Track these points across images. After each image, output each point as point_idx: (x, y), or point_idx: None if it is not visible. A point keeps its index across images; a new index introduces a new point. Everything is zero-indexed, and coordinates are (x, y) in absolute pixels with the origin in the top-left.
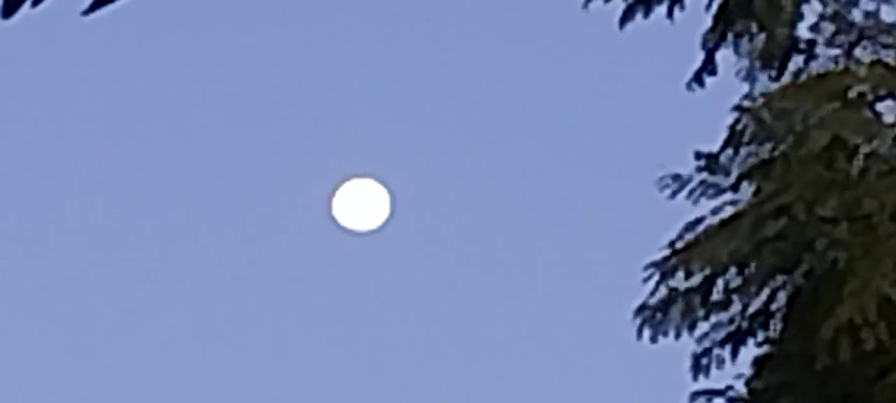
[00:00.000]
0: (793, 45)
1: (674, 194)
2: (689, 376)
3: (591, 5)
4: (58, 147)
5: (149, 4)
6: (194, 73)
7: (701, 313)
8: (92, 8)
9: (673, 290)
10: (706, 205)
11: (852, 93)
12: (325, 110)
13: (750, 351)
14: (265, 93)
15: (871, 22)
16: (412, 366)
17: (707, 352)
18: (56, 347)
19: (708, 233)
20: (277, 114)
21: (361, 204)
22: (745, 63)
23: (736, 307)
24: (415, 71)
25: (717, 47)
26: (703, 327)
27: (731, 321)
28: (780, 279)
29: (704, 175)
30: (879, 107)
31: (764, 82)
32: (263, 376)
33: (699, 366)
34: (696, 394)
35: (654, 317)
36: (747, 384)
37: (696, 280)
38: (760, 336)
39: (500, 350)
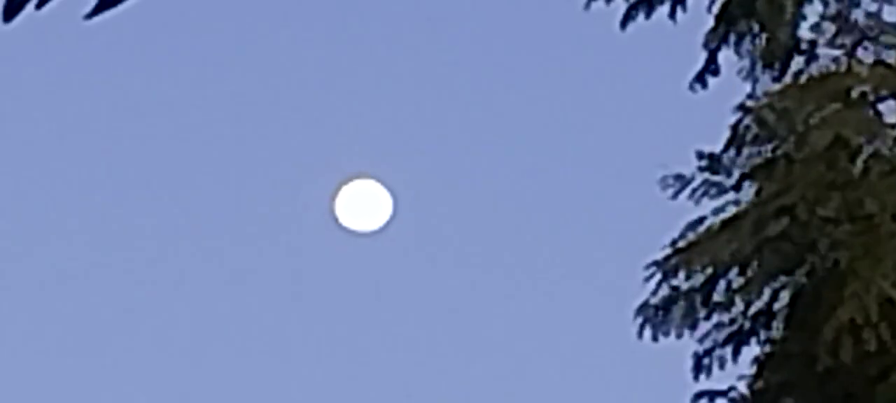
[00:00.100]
0: (794, 46)
1: (676, 194)
2: (689, 376)
3: (593, 6)
4: (59, 148)
5: (150, 7)
6: (196, 75)
7: (702, 313)
8: (95, 11)
9: (674, 290)
10: (708, 205)
11: (854, 94)
12: (327, 111)
13: (752, 352)
14: (267, 94)
15: (872, 22)
16: (414, 367)
17: (709, 352)
18: (56, 347)
19: (710, 233)
20: (279, 114)
21: (363, 205)
22: (746, 63)
23: (738, 307)
24: (416, 71)
25: (719, 48)
26: (704, 327)
27: (733, 321)
28: (782, 279)
29: (706, 175)
30: (881, 107)
31: (766, 82)
32: (265, 376)
33: (700, 366)
34: (698, 395)
35: (655, 317)
36: (750, 385)
37: (698, 280)
38: (762, 336)
39: (502, 349)
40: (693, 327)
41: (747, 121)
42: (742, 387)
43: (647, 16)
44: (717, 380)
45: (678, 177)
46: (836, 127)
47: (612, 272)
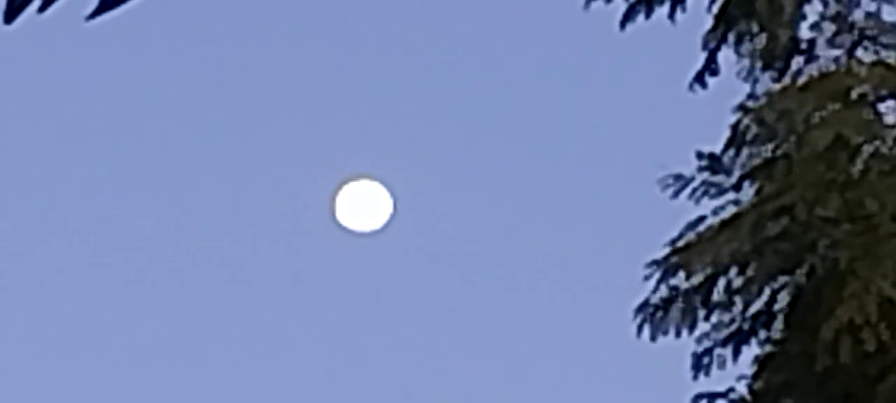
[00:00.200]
0: (794, 46)
1: (676, 194)
2: (688, 376)
3: (593, 6)
4: (59, 148)
5: (151, 9)
6: (196, 76)
7: (701, 313)
8: (96, 13)
9: (673, 289)
10: (708, 205)
11: (854, 94)
12: (327, 111)
13: (751, 352)
14: (267, 95)
15: (872, 22)
16: (414, 367)
17: (708, 352)
18: (56, 348)
19: (709, 233)
20: (279, 115)
21: (363, 205)
22: (746, 63)
23: (737, 307)
24: (416, 72)
25: (718, 48)
26: (703, 327)
27: (733, 321)
28: (781, 279)
29: (706, 175)
30: (881, 107)
31: (765, 82)
32: (265, 376)
33: (700, 366)
34: (698, 396)
35: (654, 316)
36: (749, 385)
37: (697, 279)
38: (762, 336)
39: (501, 349)
40: (692, 327)
41: (747, 121)
42: (742, 388)
43: (647, 16)
44: (715, 381)
45: (678, 176)
46: (836, 127)
47: (611, 271)
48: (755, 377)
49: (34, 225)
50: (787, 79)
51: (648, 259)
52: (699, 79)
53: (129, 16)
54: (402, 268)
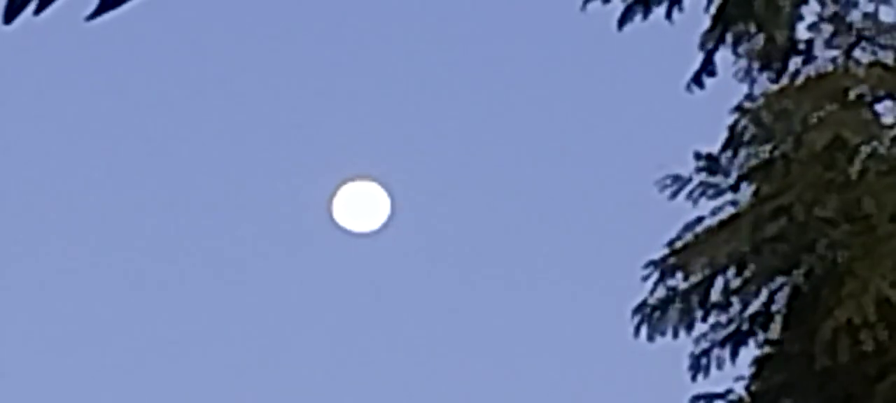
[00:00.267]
0: (792, 46)
1: (674, 195)
2: (686, 377)
3: (590, 6)
4: (60, 149)
5: (151, 9)
6: (195, 76)
7: (699, 313)
8: (96, 13)
9: (671, 290)
10: (706, 206)
11: (851, 94)
12: (326, 112)
13: (750, 352)
14: (265, 96)
15: (869, 23)
16: (412, 367)
17: (706, 353)
18: (56, 348)
19: (707, 234)
20: (278, 116)
21: (361, 206)
22: (744, 64)
23: (735, 307)
24: (414, 72)
25: (716, 48)
26: (701, 327)
27: (731, 321)
28: (779, 280)
29: (704, 176)
30: (878, 107)
31: (763, 83)
32: (264, 377)
33: (698, 367)
34: (696, 398)
35: (652, 316)
36: (747, 386)
37: (695, 279)
38: (760, 337)
39: (500, 349)
40: (689, 327)
41: (745, 121)
42: (740, 389)
43: (644, 16)
44: (713, 382)
45: (676, 177)
46: (834, 127)
47: (609, 272)
48: (754, 377)
49: (34, 225)
50: (784, 80)
51: (646, 259)
52: (696, 79)
53: (129, 16)
54: (400, 269)
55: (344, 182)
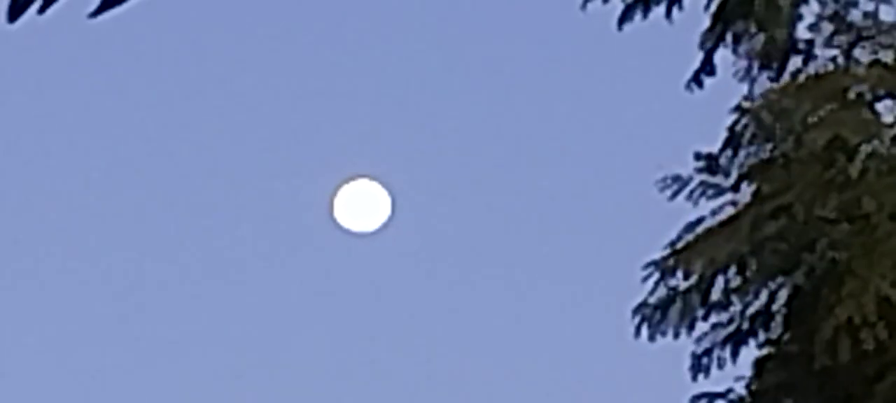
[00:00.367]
0: (792, 46)
1: (674, 195)
2: (687, 377)
3: (590, 6)
4: (60, 148)
5: (151, 9)
6: (196, 75)
7: (700, 313)
8: (99, 11)
9: (672, 290)
10: (706, 206)
11: (851, 94)
12: (326, 111)
13: (750, 352)
14: (266, 95)
15: (869, 22)
16: (413, 366)
17: (707, 353)
18: (56, 348)
19: (707, 233)
20: (278, 115)
21: (362, 205)
22: (744, 64)
23: (736, 307)
24: (415, 72)
25: (715, 48)
26: (702, 327)
27: (731, 321)
28: (779, 279)
29: (704, 176)
30: (878, 106)
31: (763, 83)
32: (264, 377)
33: (699, 366)
34: (697, 397)
35: (652, 316)
36: (748, 385)
37: (696, 278)
38: (761, 336)
39: (500, 349)
40: (690, 327)
41: (745, 121)
42: (740, 389)
43: (644, 16)
44: (714, 381)
45: (676, 177)
46: (834, 127)
47: (610, 272)
48: (754, 377)
49: (34, 225)
50: (784, 80)
51: (647, 260)
52: (696, 79)
53: (130, 17)
54: (401, 269)
55: (344, 181)
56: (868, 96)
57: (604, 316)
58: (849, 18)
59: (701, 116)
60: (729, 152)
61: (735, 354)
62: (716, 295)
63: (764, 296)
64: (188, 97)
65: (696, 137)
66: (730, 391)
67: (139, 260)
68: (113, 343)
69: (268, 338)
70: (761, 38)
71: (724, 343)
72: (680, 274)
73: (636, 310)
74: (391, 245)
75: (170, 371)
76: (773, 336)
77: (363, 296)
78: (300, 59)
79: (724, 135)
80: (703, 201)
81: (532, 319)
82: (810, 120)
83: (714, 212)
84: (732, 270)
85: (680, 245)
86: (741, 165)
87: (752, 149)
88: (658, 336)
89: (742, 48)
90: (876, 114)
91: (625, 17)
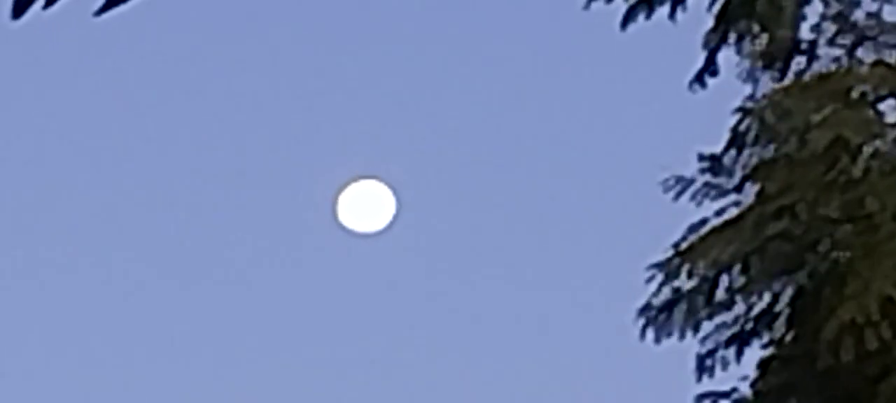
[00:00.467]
0: (795, 46)
1: (678, 196)
2: (692, 377)
3: (593, 6)
4: (63, 148)
5: (154, 9)
6: (200, 75)
7: (704, 313)
8: (103, 9)
9: (676, 291)
10: (710, 207)
11: (855, 94)
12: (330, 112)
13: (754, 352)
14: (270, 95)
15: (873, 22)
16: (417, 366)
17: (711, 353)
18: (56, 348)
19: (711, 234)
20: (282, 115)
21: (366, 206)
22: (747, 64)
23: (740, 307)
24: (419, 72)
25: (718, 48)
26: (707, 328)
27: (736, 321)
28: (783, 279)
29: (708, 176)
30: (882, 106)
31: (766, 83)
32: (268, 377)
33: (704, 367)
34: (701, 396)
35: (657, 318)
36: (752, 385)
37: (700, 277)
38: (765, 337)
39: (504, 349)
40: (695, 328)
41: (748, 121)
42: (745, 389)
43: (648, 16)
44: (719, 381)
45: (680, 178)
46: (837, 127)
47: (615, 274)
48: (759, 378)
49: (34, 225)
50: (787, 80)
51: (650, 260)
52: (699, 78)
53: (132, 16)
54: (405, 269)
55: (349, 182)
56: (871, 96)
57: (608, 316)
58: (852, 19)
59: (704, 117)
60: (732, 153)
61: (739, 354)
62: (720, 295)
63: (767, 297)
64: (192, 97)
65: (699, 138)
66: (734, 390)
67: (142, 261)
68: (115, 343)
69: (272, 339)
70: (764, 38)
71: (728, 343)
72: (684, 275)
73: (641, 312)
74: (395, 245)
75: (173, 371)
76: (777, 336)
77: (367, 297)
78: (304, 60)
79: (727, 135)
80: (706, 202)
81: (536, 319)
82: (813, 120)
83: (718, 213)
84: (736, 270)
85: (684, 246)
86: (745, 166)
87: (756, 149)
88: (663, 338)
89: (745, 49)
90: (879, 114)
91: (628, 18)
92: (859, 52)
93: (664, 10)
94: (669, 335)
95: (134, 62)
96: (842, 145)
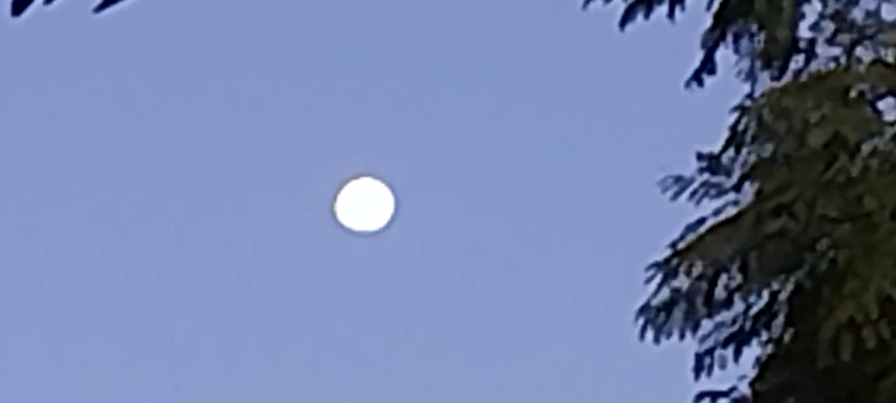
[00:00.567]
0: (793, 45)
1: (676, 195)
2: (691, 377)
3: (591, 6)
4: (61, 147)
5: (154, 6)
6: (199, 73)
7: (703, 312)
8: (103, 5)
9: (675, 291)
10: (708, 206)
11: (853, 92)
12: (329, 110)
13: (753, 351)
14: (268, 94)
15: (871, 21)
16: (416, 366)
17: (710, 352)
18: (56, 348)
19: (709, 233)
20: (280, 114)
21: (365, 204)
22: (746, 63)
23: (738, 306)
24: (417, 71)
25: (716, 46)
26: (706, 326)
27: (734, 320)
28: (782, 278)
29: (706, 176)
30: (880, 105)
31: (765, 82)
32: (267, 376)
33: (701, 366)
34: (700, 395)
35: (656, 318)
36: (751, 384)
37: (699, 279)
38: (764, 336)
39: (503, 349)
40: (695, 328)
41: (746, 120)
42: (744, 388)
43: (646, 16)
44: (718, 380)
45: (678, 178)
46: (835, 125)
47: (614, 274)
48: (757, 377)
49: (34, 225)
50: (786, 79)
51: (649, 261)
52: (696, 77)
53: (133, 13)
54: (404, 268)
55: (347, 180)
56: (869, 95)
57: (607, 316)
58: (850, 17)
59: (703, 116)
60: (731, 152)
61: (738, 353)
62: (719, 294)
63: (766, 295)
64: (190, 95)
65: (698, 137)
66: (734, 389)
67: (141, 260)
68: (114, 343)
69: (270, 337)
70: (763, 37)
71: (726, 342)
72: (683, 274)
73: (640, 312)
74: (394, 244)
75: (171, 371)
76: (776, 335)
77: (366, 296)
78: (303, 58)
79: (725, 134)
80: (705, 201)
81: (535, 319)
82: (812, 118)
83: (716, 212)
84: (735, 269)
85: (682, 245)
86: (743, 165)
87: (754, 148)
88: (663, 338)
89: (744, 47)
90: (877, 112)
91: (627, 17)
92: (858, 51)
93: (663, 9)
94: (669, 335)
95: (131, 61)
96: (840, 143)
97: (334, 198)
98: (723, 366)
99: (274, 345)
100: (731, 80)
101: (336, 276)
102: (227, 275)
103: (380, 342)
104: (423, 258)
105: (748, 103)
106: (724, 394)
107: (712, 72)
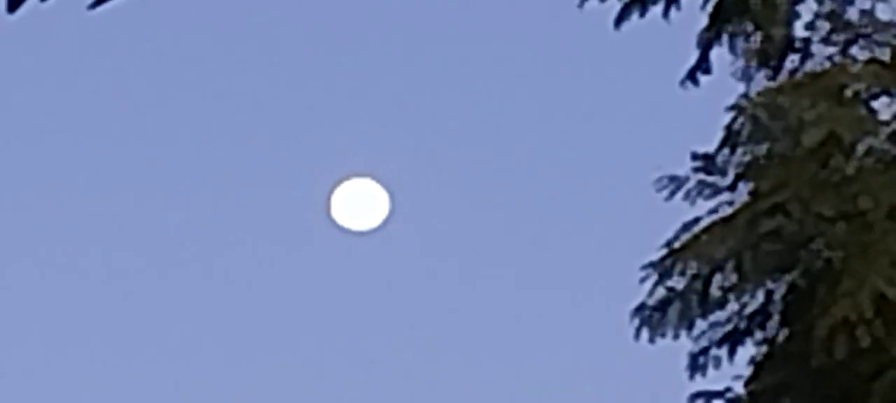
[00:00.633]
0: (789, 44)
1: (671, 195)
2: (683, 376)
3: (587, 5)
4: (58, 147)
5: (149, 4)
6: (194, 73)
7: (698, 312)
8: (97, 3)
9: (670, 290)
10: (703, 206)
11: (848, 91)
12: (324, 110)
13: (748, 351)
14: (264, 93)
15: (866, 20)
16: (411, 366)
17: (704, 352)
18: (55, 348)
19: (704, 232)
20: (276, 113)
21: (360, 204)
22: (741, 62)
23: (733, 306)
24: (413, 71)
25: (711, 45)
26: (700, 326)
27: (729, 320)
28: (777, 278)
29: (701, 175)
30: (875, 104)
31: (760, 81)
32: (262, 376)
33: (696, 366)
34: (695, 395)
35: (651, 318)
36: (746, 384)
37: (694, 279)
38: (758, 335)
39: (499, 350)
40: (689, 327)
41: (741, 120)
42: (739, 388)
43: (642, 15)
44: (712, 380)
45: (673, 177)
46: (830, 124)
47: (609, 273)
48: (752, 377)
49: (34, 225)
50: (781, 78)
51: (644, 260)
52: (691, 76)
53: (127, 11)
54: (399, 267)
55: (343, 180)
56: (864, 94)
57: (601, 314)
58: (846, 16)
59: (698, 116)
60: (726, 151)
61: (733, 353)
62: (714, 294)
63: (761, 295)
64: (186, 95)
65: (693, 137)
66: (728, 390)
67: (136, 259)
68: (110, 343)
69: (266, 337)
70: (758, 36)
71: (721, 342)
72: (678, 274)
73: (636, 312)
74: (389, 244)
75: (167, 371)
76: (771, 334)
77: (361, 295)
78: (298, 58)
79: (720, 134)
80: (700, 200)
81: (530, 319)
82: (807, 118)
83: (711, 212)
84: (729, 269)
85: (677, 245)
86: (738, 164)
87: (749, 147)
88: (658, 338)
89: (739, 47)
90: (872, 111)
91: (622, 17)
92: (853, 50)
93: (658, 8)
94: (664, 334)
95: (127, 61)
96: (835, 143)
97: (329, 198)
98: (718, 366)
99: (270, 345)
100: (727, 80)
101: (331, 276)
102: (223, 275)
103: (375, 341)
104: (419, 257)
105: (743, 102)
106: (719, 394)
107: (707, 71)
